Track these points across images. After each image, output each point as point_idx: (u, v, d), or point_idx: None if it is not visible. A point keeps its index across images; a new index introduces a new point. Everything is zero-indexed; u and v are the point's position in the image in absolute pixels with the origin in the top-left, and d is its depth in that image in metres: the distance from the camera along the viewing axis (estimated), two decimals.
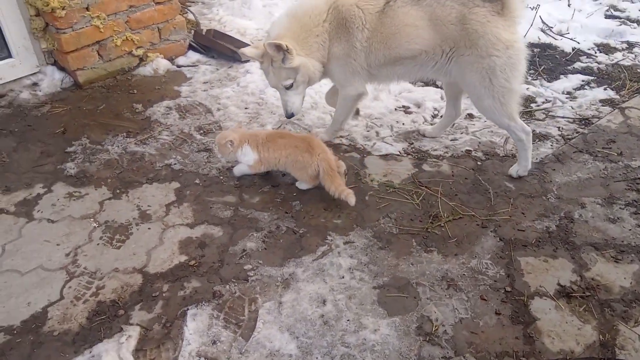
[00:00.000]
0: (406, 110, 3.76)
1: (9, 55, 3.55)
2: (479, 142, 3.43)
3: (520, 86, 2.91)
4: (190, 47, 4.26)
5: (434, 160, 3.25)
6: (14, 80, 3.60)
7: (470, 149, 3.37)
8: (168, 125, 3.40)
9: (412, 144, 3.40)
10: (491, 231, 2.73)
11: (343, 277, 2.43)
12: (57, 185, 2.86)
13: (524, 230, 2.71)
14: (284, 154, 2.83)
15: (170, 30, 4.05)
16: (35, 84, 3.64)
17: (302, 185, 2.92)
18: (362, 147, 3.34)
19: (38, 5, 3.33)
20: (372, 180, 3.05)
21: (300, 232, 2.67)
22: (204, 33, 4.30)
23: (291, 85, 2.88)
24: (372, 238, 2.65)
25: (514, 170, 3.09)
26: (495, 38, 2.63)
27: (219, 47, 4.11)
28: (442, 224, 2.77)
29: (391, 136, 3.46)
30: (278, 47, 2.70)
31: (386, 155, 3.28)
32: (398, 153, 3.31)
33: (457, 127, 3.60)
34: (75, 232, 2.59)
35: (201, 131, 3.37)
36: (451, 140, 3.47)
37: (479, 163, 3.25)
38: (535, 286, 2.40)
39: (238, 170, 2.96)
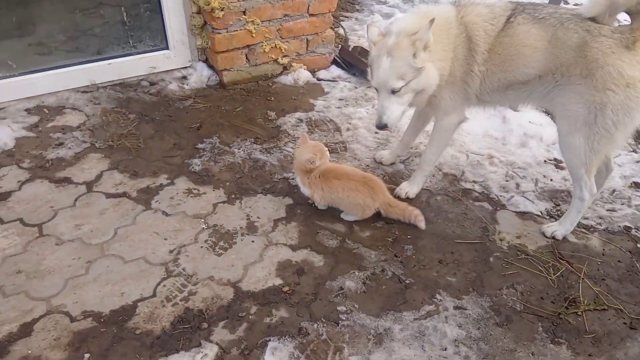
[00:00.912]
0: (558, 164, 3.25)
1: (167, 47, 3.76)
2: None
3: (624, 138, 2.44)
4: (334, 62, 4.19)
5: (583, 230, 2.74)
6: (167, 71, 3.82)
7: (630, 225, 2.80)
8: (295, 138, 3.32)
9: (559, 205, 2.91)
10: None
11: (446, 349, 2.09)
12: (180, 179, 2.92)
13: None
14: (342, 196, 2.59)
15: (318, 43, 4.01)
16: (184, 78, 3.83)
17: (348, 217, 2.69)
18: (497, 198, 2.93)
19: (200, 3, 3.48)
20: (501, 240, 2.65)
21: (407, 282, 2.38)
22: (350, 49, 4.19)
23: (399, 90, 2.43)
24: (490, 310, 2.27)
25: (550, 229, 2.69)
26: (616, 72, 2.26)
27: (363, 66, 3.97)
28: (580, 313, 2.29)
29: (534, 192, 3.00)
30: (420, 41, 2.32)
31: (524, 213, 2.84)
32: (539, 213, 2.85)
33: (619, 196, 3.01)
34: (185, 229, 2.60)
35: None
36: (608, 210, 2.91)
37: (639, 245, 2.66)
38: None
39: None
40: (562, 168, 3.20)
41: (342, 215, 2.70)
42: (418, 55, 2.36)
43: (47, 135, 3.17)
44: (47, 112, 3.38)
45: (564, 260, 2.56)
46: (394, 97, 2.45)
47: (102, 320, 2.13)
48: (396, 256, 2.51)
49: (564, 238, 2.67)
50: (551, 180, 3.10)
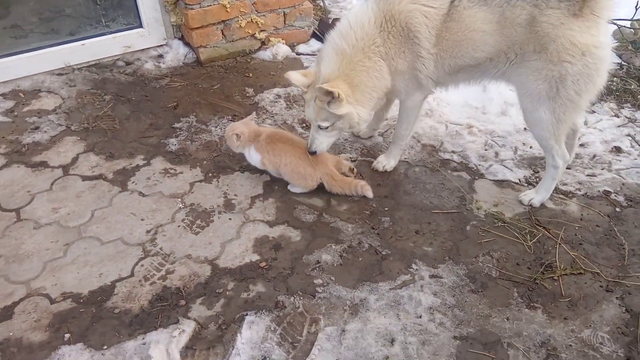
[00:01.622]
0: None
1: (140, 26, 3.70)
2: (623, 183, 2.83)
3: (588, 103, 2.42)
4: (314, 35, 4.13)
5: (561, 196, 2.75)
6: (142, 50, 3.76)
7: (609, 190, 2.80)
8: (273, 114, 3.30)
9: (538, 172, 2.92)
10: (617, 298, 2.23)
11: (420, 317, 2.12)
12: (157, 159, 2.91)
13: None
14: (283, 162, 2.63)
15: (295, 16, 3.95)
16: (160, 56, 3.77)
17: (294, 189, 2.71)
18: (475, 167, 2.93)
19: None
20: (478, 209, 2.66)
21: (383, 253, 2.40)
22: (330, 22, 4.13)
23: (326, 128, 2.52)
24: (465, 277, 2.30)
25: (527, 197, 2.70)
26: (568, 42, 2.23)
27: None
28: (556, 277, 2.31)
29: (513, 160, 3.00)
30: (329, 94, 2.35)
31: (502, 181, 2.85)
32: (517, 181, 2.85)
33: (599, 161, 3.01)
34: (161, 209, 2.60)
35: (304, 124, 3.21)
36: (587, 175, 2.91)
37: (617, 209, 2.68)
38: None
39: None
40: None
41: (289, 187, 2.73)
42: (333, 106, 2.39)
43: (22, 120, 3.14)
44: (22, 96, 3.34)
45: (540, 226, 2.57)
46: (322, 131, 2.55)
47: (82, 301, 2.15)
48: (373, 228, 2.52)
49: (542, 205, 2.68)
50: (530, 147, 3.10)
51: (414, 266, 2.34)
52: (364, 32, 2.39)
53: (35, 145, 2.95)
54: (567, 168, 2.90)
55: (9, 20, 3.62)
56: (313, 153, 2.61)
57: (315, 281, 2.26)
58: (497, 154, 3.03)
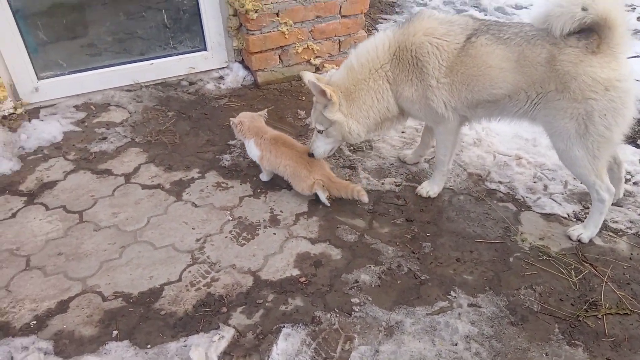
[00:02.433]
0: None
1: (204, 49, 3.96)
2: None
3: (621, 136, 2.39)
4: None
5: (610, 234, 2.67)
6: (205, 71, 4.01)
7: None
8: None
9: (587, 207, 2.84)
10: None
11: (456, 345, 2.11)
12: (211, 173, 3.07)
13: None
14: (283, 163, 2.81)
15: (350, 44, 4.08)
16: (221, 78, 4.00)
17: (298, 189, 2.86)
18: (522, 199, 2.90)
19: (236, 5, 3.63)
20: (523, 241, 2.63)
21: (422, 278, 2.41)
22: None
23: (322, 132, 2.69)
24: (505, 309, 2.27)
25: (575, 232, 2.64)
26: (590, 79, 2.24)
27: None
28: (600, 316, 2.24)
29: (562, 194, 2.95)
30: (322, 93, 2.53)
31: (550, 214, 2.80)
32: (566, 215, 2.80)
33: None
34: (211, 220, 2.73)
35: (351, 147, 3.30)
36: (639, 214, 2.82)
37: None
38: None
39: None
40: None
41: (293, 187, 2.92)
42: (326, 110, 2.59)
43: (92, 130, 3.41)
44: (93, 108, 3.63)
45: (587, 263, 2.51)
46: (320, 135, 2.71)
47: (131, 300, 2.29)
48: (413, 253, 2.54)
49: (590, 241, 2.62)
50: (581, 182, 3.03)
51: (452, 293, 2.33)
52: (376, 55, 2.56)
53: (102, 154, 3.19)
54: (618, 205, 2.82)
55: (87, 39, 3.96)
56: (311, 155, 2.78)
57: (352, 300, 2.30)
58: (546, 187, 2.99)
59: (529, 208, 2.85)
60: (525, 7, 5.84)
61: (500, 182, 3.01)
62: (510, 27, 2.44)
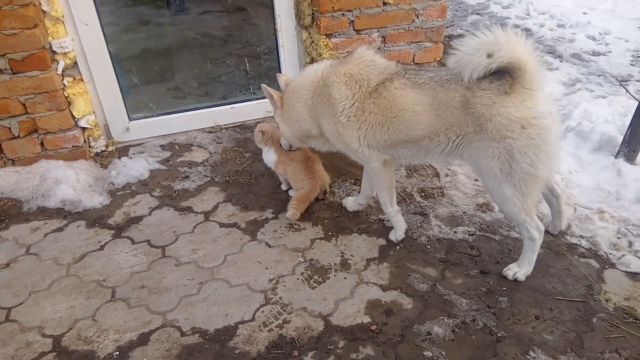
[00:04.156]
0: None
1: None
2: None
3: (550, 172, 2.42)
4: None
5: None
6: None
7: None
8: None
9: None
10: None
11: None
12: (284, 214, 3.16)
13: None
14: (292, 167, 3.16)
15: None
16: None
17: (293, 193, 3.25)
18: (606, 255, 2.76)
19: (313, 54, 3.80)
20: (607, 300, 2.49)
21: (499, 335, 2.33)
22: None
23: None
24: None
25: (511, 271, 2.63)
26: (505, 119, 2.25)
27: None
28: None
29: None
30: (270, 97, 2.91)
31: (636, 274, 2.64)
32: None
33: None
34: (284, 261, 2.80)
35: (422, 194, 3.29)
36: None
37: None
38: None
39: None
40: None
41: (289, 192, 3.31)
42: (274, 111, 2.97)
43: (176, 169, 3.63)
44: (177, 148, 3.87)
45: None
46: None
47: (208, 337, 2.37)
48: (489, 307, 2.47)
49: None
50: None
51: (532, 353, 2.23)
52: (307, 81, 2.75)
53: (184, 192, 3.38)
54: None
55: (173, 83, 4.27)
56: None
57: (425, 353, 2.25)
58: (631, 243, 2.83)
59: (612, 265, 2.70)
60: (603, 54, 5.68)
61: (581, 237, 2.89)
62: (428, 71, 2.50)
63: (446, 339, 2.31)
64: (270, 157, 3.23)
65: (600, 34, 6.21)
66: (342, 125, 2.64)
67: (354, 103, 2.58)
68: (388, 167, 2.76)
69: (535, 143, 2.26)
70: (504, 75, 2.26)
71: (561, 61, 5.48)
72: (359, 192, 3.31)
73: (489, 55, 2.20)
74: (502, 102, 2.26)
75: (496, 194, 2.46)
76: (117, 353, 2.30)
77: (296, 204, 3.07)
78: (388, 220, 3.04)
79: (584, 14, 6.90)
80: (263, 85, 2.94)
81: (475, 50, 2.23)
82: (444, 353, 2.25)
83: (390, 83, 2.52)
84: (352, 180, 3.44)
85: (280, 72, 4.05)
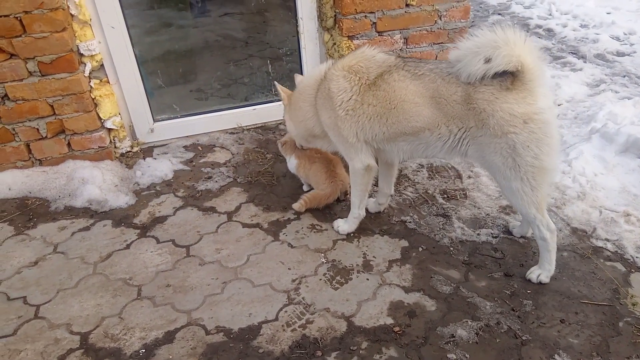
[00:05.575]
0: None
1: None
2: None
3: (555, 164, 2.40)
4: None
5: None
6: None
7: None
8: (415, 182, 3.43)
9: None
10: None
11: None
12: (306, 214, 3.18)
13: None
14: (313, 168, 3.22)
15: None
16: None
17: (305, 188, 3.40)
18: (632, 259, 2.72)
19: (335, 57, 3.80)
20: (634, 305, 2.45)
21: (524, 338, 2.31)
22: None
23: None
24: None
25: (534, 274, 2.60)
26: (507, 115, 2.26)
27: None
28: None
29: None
30: (281, 95, 3.05)
31: None
32: None
33: None
34: (306, 262, 2.82)
35: (445, 195, 3.28)
36: None
37: None
38: None
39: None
40: None
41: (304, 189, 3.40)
42: (283, 109, 3.08)
43: (199, 169, 3.68)
44: (200, 149, 3.92)
45: None
46: None
47: (232, 336, 2.40)
48: (513, 310, 2.45)
49: None
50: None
51: (557, 357, 2.21)
52: (312, 80, 2.81)
53: (207, 192, 3.42)
54: None
55: (195, 85, 4.33)
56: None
57: (448, 355, 2.25)
58: None
59: (639, 269, 2.66)
60: (628, 55, 5.59)
61: (607, 240, 2.85)
62: (427, 63, 2.50)
63: (470, 342, 2.31)
64: (292, 163, 3.34)
65: (625, 34, 6.10)
66: (340, 119, 2.66)
67: (352, 96, 2.60)
68: (368, 173, 2.82)
69: (537, 137, 2.28)
70: (504, 71, 2.27)
71: (585, 62, 5.40)
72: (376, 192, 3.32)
73: (487, 60, 2.21)
74: (504, 98, 2.27)
75: (506, 189, 2.47)
76: (144, 350, 2.34)
77: (307, 199, 3.15)
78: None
79: (607, 13, 6.79)
80: (275, 82, 3.06)
81: (474, 53, 2.24)
82: (468, 356, 2.24)
83: (389, 75, 2.53)
84: (374, 182, 3.44)
85: (302, 73, 4.08)
